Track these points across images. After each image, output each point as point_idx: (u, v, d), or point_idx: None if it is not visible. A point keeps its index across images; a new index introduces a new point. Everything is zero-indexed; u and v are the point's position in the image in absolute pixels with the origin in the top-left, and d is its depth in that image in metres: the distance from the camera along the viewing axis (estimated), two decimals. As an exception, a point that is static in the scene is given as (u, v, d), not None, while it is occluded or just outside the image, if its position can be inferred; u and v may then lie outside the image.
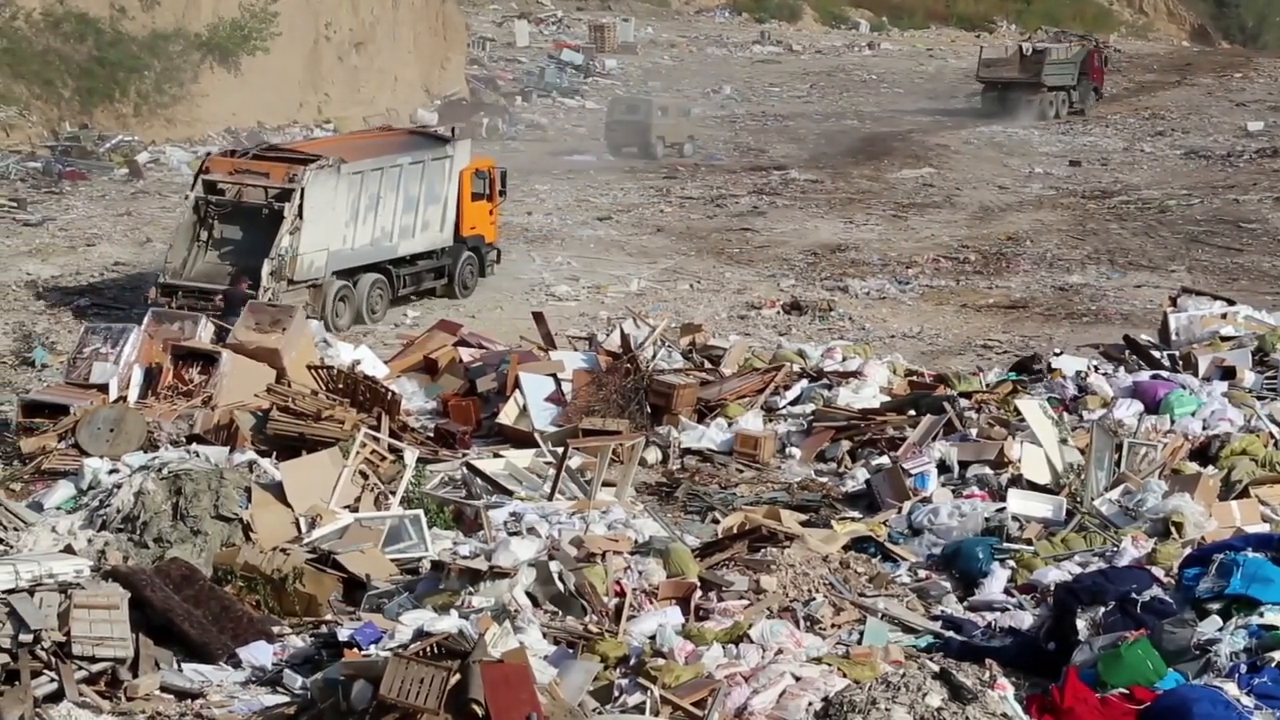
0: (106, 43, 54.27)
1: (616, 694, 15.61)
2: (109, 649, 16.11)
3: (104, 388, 25.18)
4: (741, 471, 25.01)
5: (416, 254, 35.60)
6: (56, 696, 15.72)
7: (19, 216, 42.78)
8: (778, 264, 41.62)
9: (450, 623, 15.74)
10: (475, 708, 13.94)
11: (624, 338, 27.68)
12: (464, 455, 24.22)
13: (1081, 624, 17.04)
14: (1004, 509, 21.25)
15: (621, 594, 17.55)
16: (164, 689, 16.20)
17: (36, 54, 52.73)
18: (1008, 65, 72.96)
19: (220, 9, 56.84)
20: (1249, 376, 26.58)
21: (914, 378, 28.65)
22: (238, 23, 56.98)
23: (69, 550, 18.56)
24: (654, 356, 27.65)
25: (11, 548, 18.88)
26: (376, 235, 34.22)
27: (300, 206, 31.98)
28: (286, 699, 15.84)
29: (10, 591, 16.14)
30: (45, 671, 15.87)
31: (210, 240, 32.62)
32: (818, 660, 16.58)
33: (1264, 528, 20.22)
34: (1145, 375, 26.90)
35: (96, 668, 16.08)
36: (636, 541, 19.06)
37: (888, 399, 27.25)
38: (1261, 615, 16.77)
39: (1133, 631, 16.41)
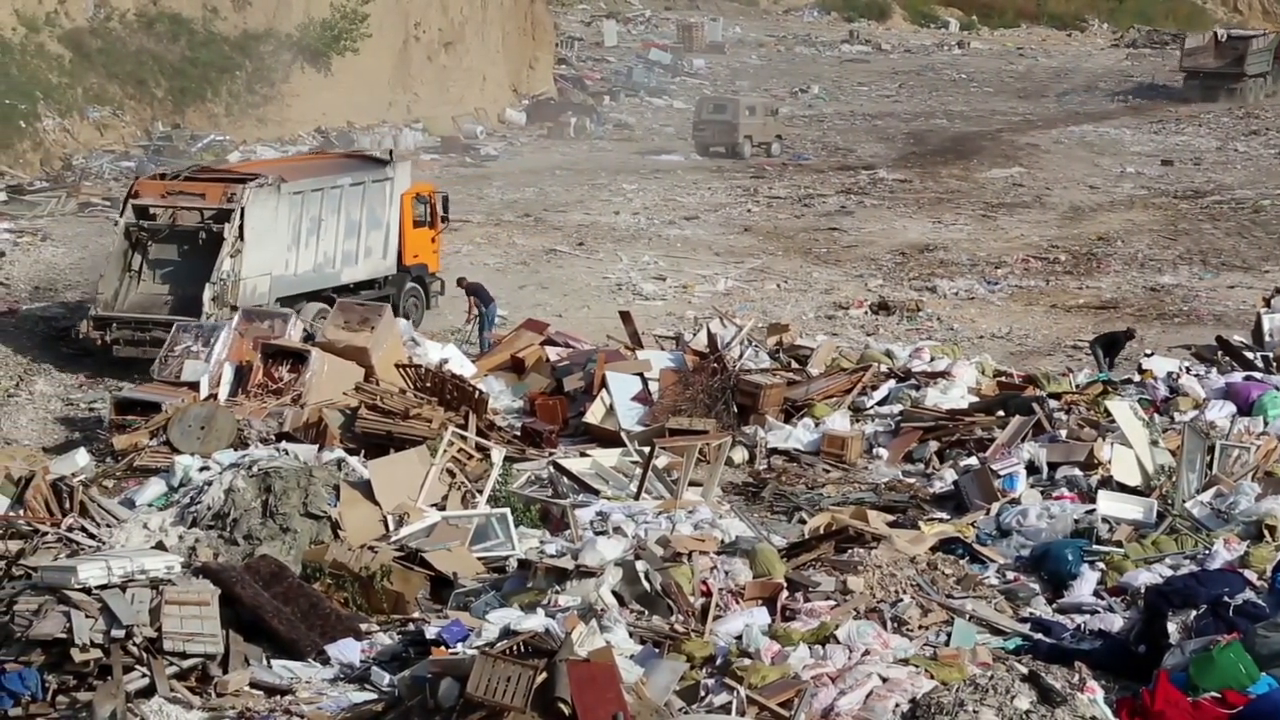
0: (199, 43, 54.78)
1: (703, 694, 15.60)
2: (199, 645, 16.27)
3: (195, 385, 25.47)
4: (828, 472, 24.94)
5: (360, 282, 32.83)
6: (148, 692, 15.87)
7: (112, 215, 43.17)
8: (865, 264, 41.46)
9: (537, 621, 15.80)
10: (562, 706, 13.96)
11: (711, 337, 27.66)
12: (551, 454, 24.27)
13: (1172, 627, 16.91)
14: (1094, 511, 21.07)
15: (708, 594, 17.54)
16: (253, 685, 16.34)
17: (130, 54, 53.24)
18: (1207, 54, 75.79)
19: (311, 9, 57.24)
20: (1344, 378, 26.30)
21: (1003, 378, 28.47)
22: (328, 23, 57.37)
23: (160, 547, 18.80)
24: (741, 356, 27.60)
25: (104, 544, 19.12)
26: (319, 261, 31.79)
27: (240, 228, 29.70)
28: (374, 696, 15.92)
29: (103, 587, 16.32)
30: (137, 667, 16.03)
31: (144, 268, 30.26)
32: (905, 662, 16.50)
33: (1359, 532, 19.97)
34: (1238, 376, 26.66)
35: (187, 663, 16.25)
36: (723, 541, 19.05)
37: (976, 400, 27.11)
38: (1356, 620, 16.58)
39: (1225, 635, 16.25)
